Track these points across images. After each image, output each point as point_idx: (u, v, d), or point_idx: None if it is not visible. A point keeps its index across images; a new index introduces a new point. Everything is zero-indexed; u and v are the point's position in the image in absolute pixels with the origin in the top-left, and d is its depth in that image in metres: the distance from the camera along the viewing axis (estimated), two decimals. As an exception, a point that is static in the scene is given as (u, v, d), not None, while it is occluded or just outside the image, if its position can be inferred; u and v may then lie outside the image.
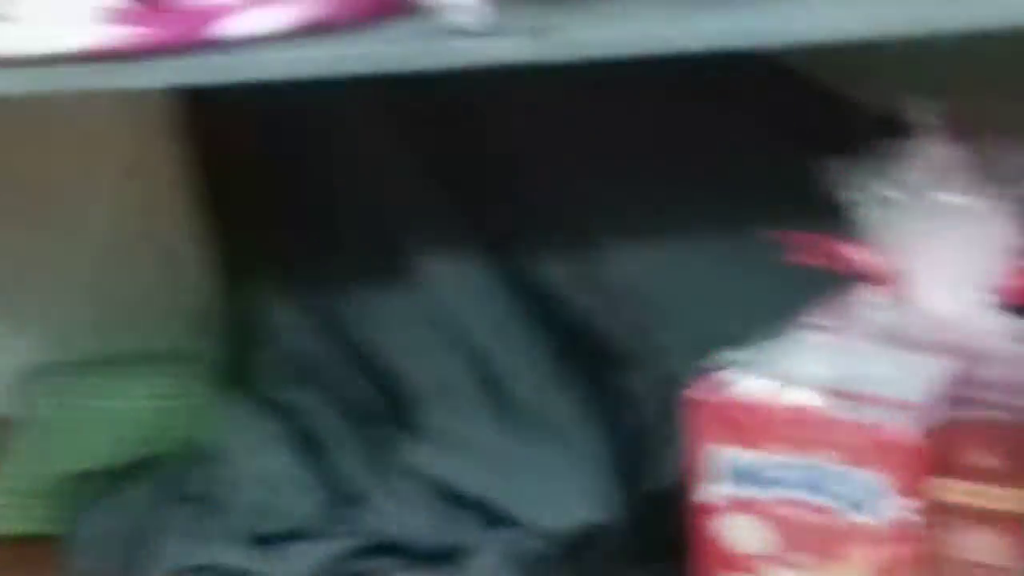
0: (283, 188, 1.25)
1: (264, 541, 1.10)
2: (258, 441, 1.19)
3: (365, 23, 0.82)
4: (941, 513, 0.90)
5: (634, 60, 0.89)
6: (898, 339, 0.94)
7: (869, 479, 0.91)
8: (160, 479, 1.21)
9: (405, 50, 0.82)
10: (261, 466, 1.16)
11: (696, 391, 0.96)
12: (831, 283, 0.99)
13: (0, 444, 1.35)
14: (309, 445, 1.18)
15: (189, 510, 1.15)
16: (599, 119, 1.18)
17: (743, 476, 0.96)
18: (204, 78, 0.84)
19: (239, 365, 1.28)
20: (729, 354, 0.97)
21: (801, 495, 0.93)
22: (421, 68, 0.82)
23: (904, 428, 0.89)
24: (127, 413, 1.33)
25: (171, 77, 0.84)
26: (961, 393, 0.89)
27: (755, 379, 0.95)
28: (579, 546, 1.08)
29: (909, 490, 0.89)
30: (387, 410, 1.19)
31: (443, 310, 1.20)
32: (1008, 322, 0.92)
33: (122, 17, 0.80)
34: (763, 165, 1.09)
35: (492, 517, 1.09)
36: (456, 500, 1.11)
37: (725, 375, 0.96)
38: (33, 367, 1.43)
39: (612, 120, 1.18)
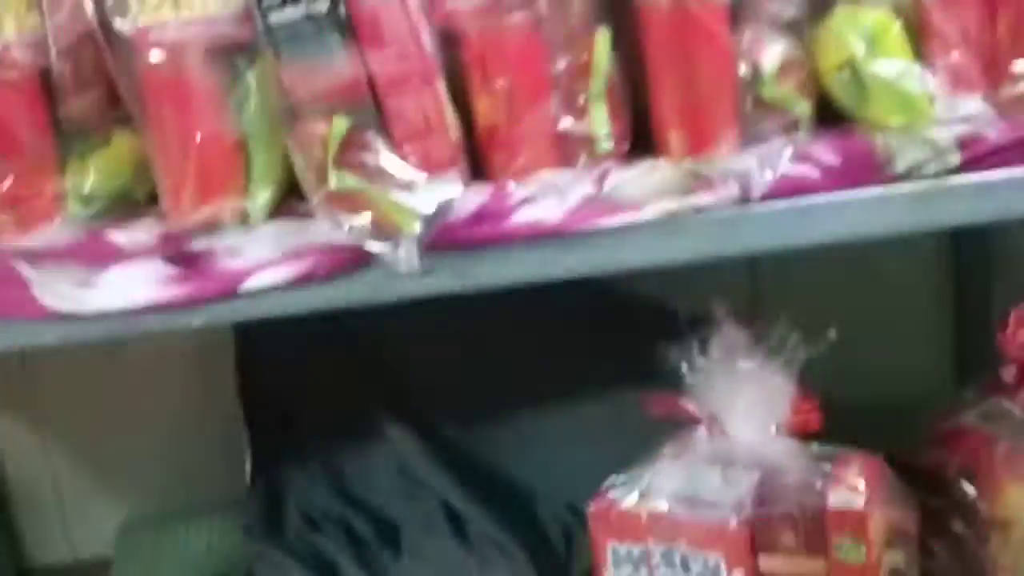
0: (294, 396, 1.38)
1: None
2: (294, 555, 1.27)
3: (339, 274, 0.88)
4: (762, 577, 1.03)
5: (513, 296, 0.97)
6: (720, 461, 1.05)
7: (711, 558, 1.04)
8: None
9: (364, 290, 0.89)
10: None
11: (595, 507, 1.09)
12: (674, 427, 1.09)
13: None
14: (324, 569, 1.25)
15: None
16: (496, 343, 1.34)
17: (628, 561, 1.08)
18: (228, 319, 0.92)
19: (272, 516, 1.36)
20: (613, 480, 1.10)
21: (668, 572, 1.06)
22: (374, 301, 0.89)
23: (729, 522, 1.02)
24: (211, 547, 1.42)
25: (209, 319, 0.89)
26: (768, 493, 1.02)
27: (631, 495, 1.07)
28: None
29: (739, 564, 1.03)
30: (379, 539, 1.29)
31: (414, 476, 1.33)
32: (792, 446, 1.03)
33: (174, 280, 0.87)
34: (618, 356, 1.20)
35: None
36: None
37: (612, 495, 1.09)
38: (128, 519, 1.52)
39: (507, 340, 1.33)
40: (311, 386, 1.38)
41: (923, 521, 1.06)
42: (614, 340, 1.24)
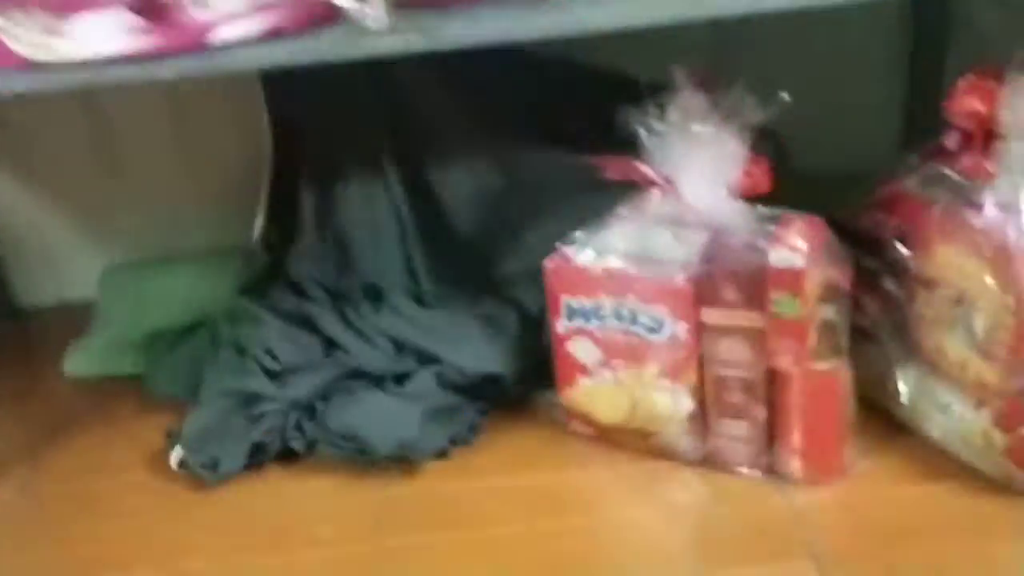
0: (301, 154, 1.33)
1: (275, 375, 1.20)
2: (277, 312, 1.27)
3: (309, 29, 0.87)
4: (704, 330, 1.04)
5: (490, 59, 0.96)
6: (672, 222, 1.05)
7: (657, 312, 1.05)
8: (210, 335, 1.29)
9: (333, 46, 0.87)
10: (278, 329, 1.24)
11: (552, 263, 1.10)
12: (629, 189, 1.08)
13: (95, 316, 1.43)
14: (310, 315, 1.26)
15: (229, 354, 1.24)
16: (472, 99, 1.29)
17: (580, 314, 1.09)
18: (199, 72, 0.87)
19: (273, 264, 1.36)
20: (570, 238, 1.10)
21: (617, 324, 1.08)
22: (343, 57, 0.87)
23: (676, 278, 1.03)
24: (189, 291, 1.42)
25: (177, 72, 0.86)
26: (714, 252, 1.02)
27: (586, 252, 1.08)
28: (485, 381, 1.20)
29: (682, 317, 1.04)
30: (359, 293, 1.29)
31: (386, 229, 1.31)
32: (740, 207, 1.02)
33: (142, 31, 0.84)
34: (579, 119, 1.17)
35: (424, 358, 1.21)
36: (401, 347, 1.23)
37: (568, 251, 1.09)
38: (118, 262, 1.51)
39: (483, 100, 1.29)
40: (318, 131, 1.34)
41: (857, 279, 1.06)
42: (582, 106, 1.20)
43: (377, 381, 1.20)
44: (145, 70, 0.87)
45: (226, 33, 0.86)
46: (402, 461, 1.13)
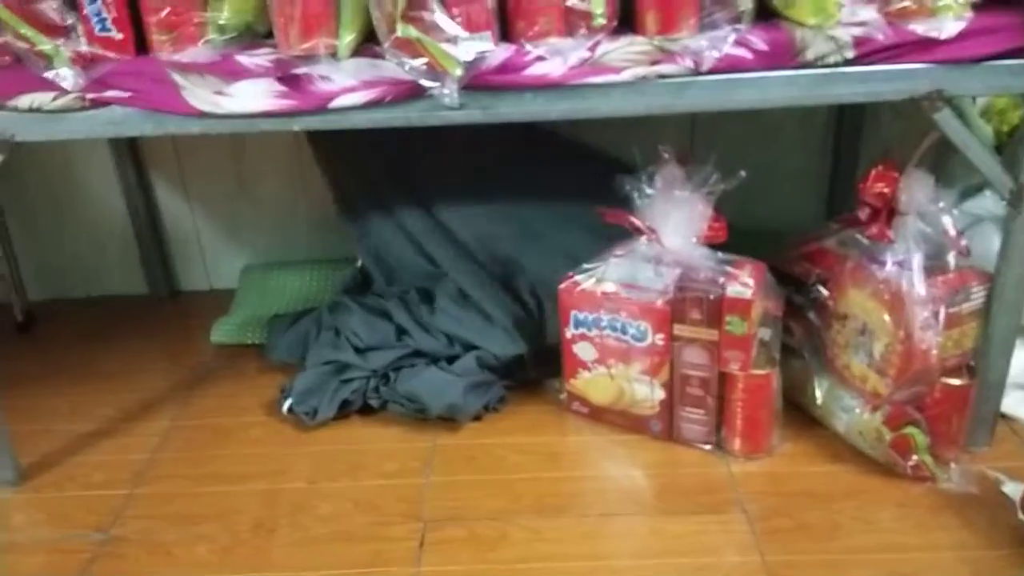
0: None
1: (360, 351, 1.19)
2: (361, 305, 1.25)
3: (401, 100, 0.86)
4: (675, 341, 1.03)
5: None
6: (653, 260, 1.04)
7: (642, 324, 1.04)
8: (316, 319, 1.27)
9: (417, 114, 0.87)
10: (361, 318, 1.23)
11: (564, 285, 1.08)
12: (623, 234, 1.06)
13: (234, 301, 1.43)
14: (386, 310, 1.25)
15: (328, 335, 1.23)
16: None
17: (584, 324, 1.08)
18: (321, 126, 0.88)
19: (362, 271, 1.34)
20: (578, 269, 1.08)
21: (611, 333, 1.06)
22: (424, 123, 0.87)
23: (656, 301, 1.02)
24: (302, 288, 1.41)
25: (304, 125, 0.87)
26: (685, 284, 1.01)
27: (590, 279, 1.07)
28: (511, 363, 1.18)
29: (660, 330, 1.03)
30: (423, 294, 1.27)
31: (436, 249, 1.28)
32: (705, 252, 1.02)
33: (283, 95, 0.85)
34: (586, 182, 1.12)
35: (468, 347, 1.18)
36: (451, 338, 1.20)
37: (577, 278, 1.08)
38: (253, 262, 1.50)
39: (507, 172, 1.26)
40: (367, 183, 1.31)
41: (788, 310, 1.05)
42: (586, 179, 1.15)
43: (434, 360, 1.18)
44: (283, 123, 0.88)
45: (343, 100, 0.86)
46: (449, 420, 1.12)
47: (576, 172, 1.24)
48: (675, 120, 0.93)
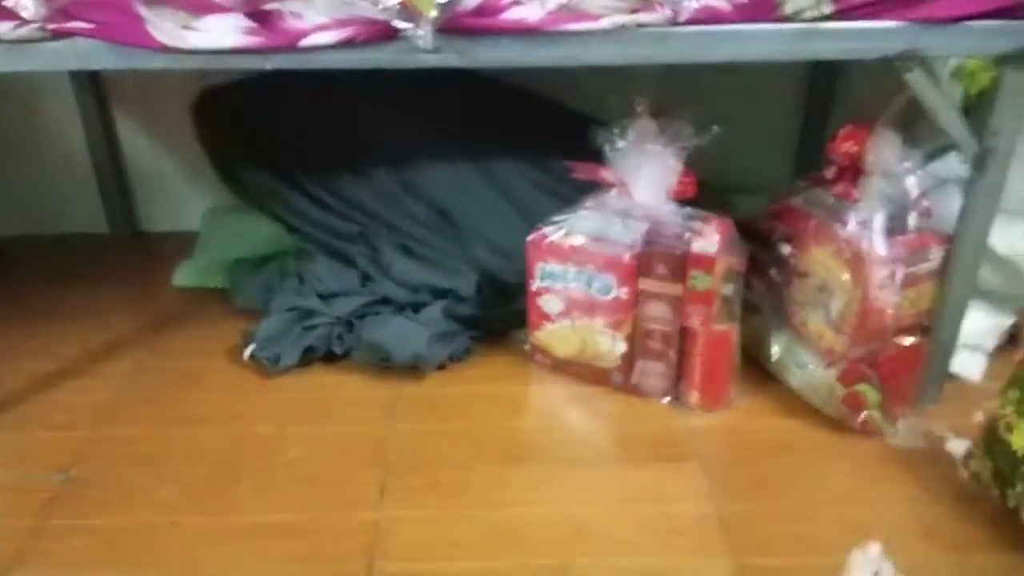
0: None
1: (325, 297, 1.18)
2: (326, 250, 1.24)
3: (374, 42, 0.82)
4: (640, 295, 1.03)
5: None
6: (624, 213, 1.03)
7: (608, 278, 1.04)
8: (280, 265, 1.26)
9: (390, 57, 0.83)
10: (326, 265, 1.21)
11: (532, 237, 1.07)
12: (594, 188, 1.06)
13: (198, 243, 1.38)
14: (351, 256, 1.23)
15: (293, 281, 1.22)
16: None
17: (551, 277, 1.08)
18: (290, 65, 0.84)
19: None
20: (547, 222, 1.07)
21: (577, 286, 1.06)
22: (397, 66, 0.83)
23: (623, 255, 1.02)
24: (268, 231, 1.33)
25: (275, 64, 0.83)
26: (652, 238, 1.01)
27: (558, 231, 1.06)
28: (477, 315, 1.16)
29: (625, 284, 1.03)
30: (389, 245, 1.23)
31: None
32: (674, 207, 1.02)
33: (252, 32, 0.81)
34: (559, 134, 1.09)
35: (437, 292, 1.17)
36: (415, 288, 1.18)
37: (545, 230, 1.06)
38: (218, 204, 1.44)
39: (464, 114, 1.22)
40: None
41: (751, 267, 1.05)
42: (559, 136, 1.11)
43: (399, 308, 1.17)
44: (253, 60, 0.84)
45: (314, 39, 0.82)
46: (413, 368, 1.12)
47: (544, 129, 1.22)
48: (650, 72, 0.91)
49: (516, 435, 1.03)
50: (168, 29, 0.82)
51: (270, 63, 0.84)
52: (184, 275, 1.33)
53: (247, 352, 1.13)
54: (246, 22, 0.82)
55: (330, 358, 1.15)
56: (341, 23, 0.82)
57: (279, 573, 0.84)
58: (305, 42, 0.82)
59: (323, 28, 0.82)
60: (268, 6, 0.81)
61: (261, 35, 0.82)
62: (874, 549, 0.79)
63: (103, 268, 1.40)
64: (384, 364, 1.11)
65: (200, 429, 1.04)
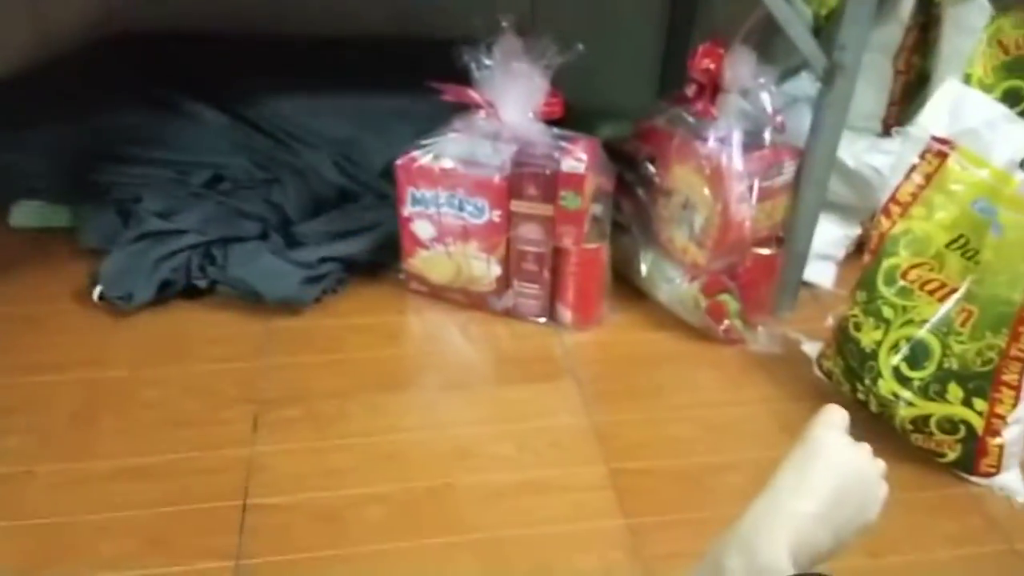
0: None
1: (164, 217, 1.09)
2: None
3: None
4: (512, 217, 1.01)
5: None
6: (492, 135, 1.00)
7: (479, 201, 1.01)
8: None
9: None
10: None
11: (401, 162, 1.02)
12: (461, 109, 1.01)
13: None
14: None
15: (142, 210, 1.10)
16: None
17: (421, 201, 1.03)
18: None
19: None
20: (415, 145, 1.02)
21: (448, 210, 1.03)
22: None
23: (494, 177, 0.99)
24: None
25: None
26: (522, 160, 0.98)
27: (427, 155, 1.02)
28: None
29: (497, 207, 1.00)
30: None
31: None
32: (542, 127, 0.99)
33: None
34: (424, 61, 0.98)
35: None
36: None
37: (414, 154, 1.02)
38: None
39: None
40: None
41: (618, 186, 1.05)
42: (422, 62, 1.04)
43: (262, 234, 1.09)
44: None
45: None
46: (284, 304, 1.06)
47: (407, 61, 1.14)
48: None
49: (393, 363, 1.00)
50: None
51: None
52: (22, 214, 1.19)
53: (96, 293, 1.03)
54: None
55: (192, 292, 1.07)
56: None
57: (147, 516, 0.79)
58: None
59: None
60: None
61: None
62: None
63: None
64: (252, 300, 1.05)
65: (50, 376, 0.95)
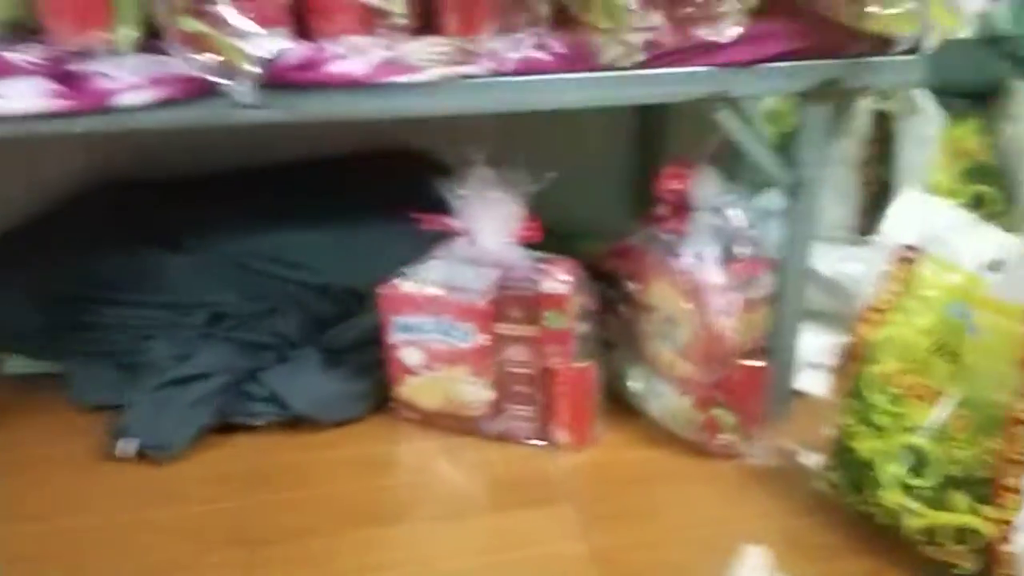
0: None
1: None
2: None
3: (193, 99, 0.77)
4: (499, 340, 1.01)
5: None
6: (472, 261, 1.01)
7: (465, 326, 1.00)
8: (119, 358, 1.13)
9: (210, 114, 0.78)
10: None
11: (383, 291, 1.02)
12: (441, 237, 1.03)
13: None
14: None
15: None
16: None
17: (408, 329, 1.03)
18: (102, 128, 0.77)
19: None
20: (396, 273, 1.03)
21: (435, 336, 1.02)
22: (218, 123, 0.78)
23: (478, 302, 0.99)
24: None
25: (85, 127, 0.77)
26: (504, 283, 0.99)
27: (409, 283, 1.02)
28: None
29: (484, 330, 1.00)
30: None
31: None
32: (521, 251, 1.00)
33: (57, 94, 0.75)
34: (403, 188, 1.03)
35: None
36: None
37: (396, 282, 1.02)
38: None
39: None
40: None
41: (602, 306, 1.06)
42: (401, 183, 1.07)
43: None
44: (63, 124, 0.77)
45: (127, 98, 0.77)
46: (275, 434, 1.05)
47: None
48: (488, 121, 0.90)
49: (385, 495, 0.97)
50: (-34, 96, 0.74)
51: (81, 126, 0.77)
52: (16, 361, 1.18)
53: (128, 447, 0.99)
54: (51, 84, 0.75)
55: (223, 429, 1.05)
56: (156, 81, 0.77)
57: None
58: (117, 101, 0.76)
59: (136, 87, 0.76)
60: (73, 67, 0.75)
61: (69, 97, 0.76)
62: (753, 555, 0.76)
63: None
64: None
65: (39, 526, 0.92)
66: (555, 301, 0.97)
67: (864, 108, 1.09)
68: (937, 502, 0.80)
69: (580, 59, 0.84)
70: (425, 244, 1.04)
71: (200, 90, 0.76)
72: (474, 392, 1.04)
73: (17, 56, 0.74)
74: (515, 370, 1.02)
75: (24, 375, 1.18)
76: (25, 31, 0.76)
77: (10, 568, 0.86)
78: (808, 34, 0.86)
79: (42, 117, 0.75)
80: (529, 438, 1.04)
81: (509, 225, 0.99)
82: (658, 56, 0.85)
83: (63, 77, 0.75)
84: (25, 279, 1.12)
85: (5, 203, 1.24)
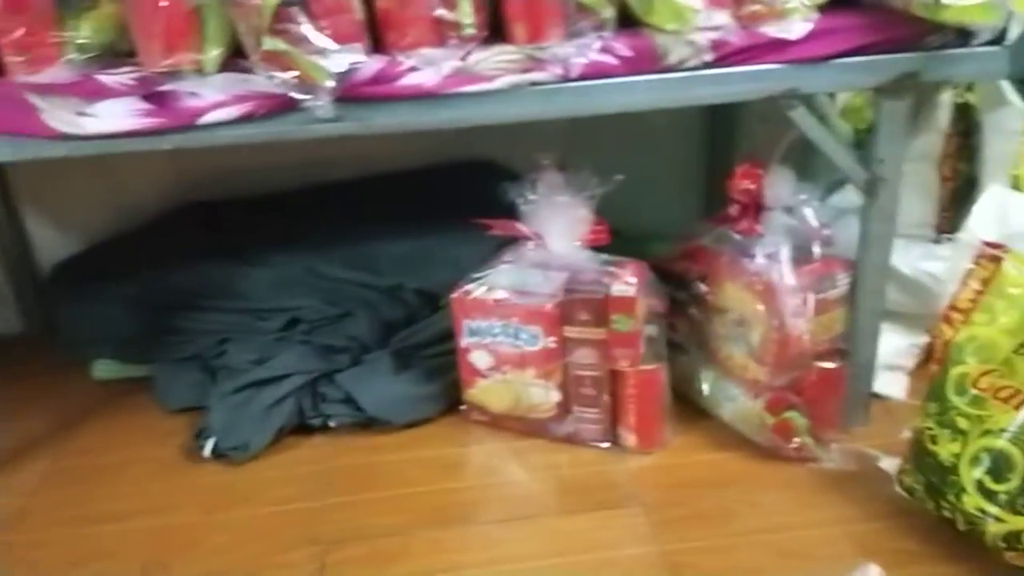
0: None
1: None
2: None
3: (273, 114, 0.82)
4: (567, 343, 1.02)
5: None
6: (541, 265, 1.04)
7: (534, 329, 1.03)
8: (204, 364, 1.20)
9: (290, 128, 0.82)
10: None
11: (455, 296, 1.06)
12: (511, 242, 1.07)
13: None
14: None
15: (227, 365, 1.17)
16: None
17: (477, 333, 1.06)
18: (189, 144, 0.82)
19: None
20: (467, 279, 1.07)
21: (504, 339, 1.05)
22: (299, 136, 0.82)
23: (545, 305, 1.02)
24: None
25: (173, 144, 0.82)
26: (572, 286, 1.01)
27: (480, 287, 1.06)
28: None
29: (551, 333, 1.02)
30: None
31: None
32: (589, 254, 1.02)
33: (148, 113, 0.80)
34: (473, 196, 1.06)
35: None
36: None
37: (467, 287, 1.06)
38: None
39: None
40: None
41: (671, 307, 1.06)
42: (470, 191, 1.11)
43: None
44: (151, 142, 0.83)
45: (213, 116, 0.81)
46: (350, 436, 1.09)
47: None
48: (556, 126, 0.92)
49: (454, 497, 1.00)
50: (63, 117, 0.80)
51: (169, 143, 0.82)
52: (104, 367, 1.26)
53: (208, 447, 1.05)
54: (142, 104, 0.80)
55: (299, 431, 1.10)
56: (239, 98, 0.81)
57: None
58: (204, 119, 0.81)
59: (221, 105, 0.81)
60: (163, 87, 0.80)
61: (158, 116, 0.81)
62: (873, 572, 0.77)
63: (17, 367, 1.33)
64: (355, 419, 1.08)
65: (124, 524, 0.98)
66: (623, 304, 0.98)
67: (945, 101, 1.07)
68: (1020, 507, 0.79)
69: (646, 61, 0.85)
70: (495, 249, 1.07)
71: (281, 106, 0.81)
72: (542, 395, 1.06)
73: (110, 78, 0.80)
74: (583, 373, 1.03)
75: (111, 380, 1.25)
76: (118, 55, 0.82)
77: (85, 567, 0.91)
78: (881, 27, 0.85)
79: (133, 135, 0.81)
80: (597, 441, 1.06)
81: (577, 229, 1.01)
82: (725, 55, 0.86)
83: (153, 97, 0.80)
84: (117, 289, 1.20)
85: (98, 219, 1.33)
